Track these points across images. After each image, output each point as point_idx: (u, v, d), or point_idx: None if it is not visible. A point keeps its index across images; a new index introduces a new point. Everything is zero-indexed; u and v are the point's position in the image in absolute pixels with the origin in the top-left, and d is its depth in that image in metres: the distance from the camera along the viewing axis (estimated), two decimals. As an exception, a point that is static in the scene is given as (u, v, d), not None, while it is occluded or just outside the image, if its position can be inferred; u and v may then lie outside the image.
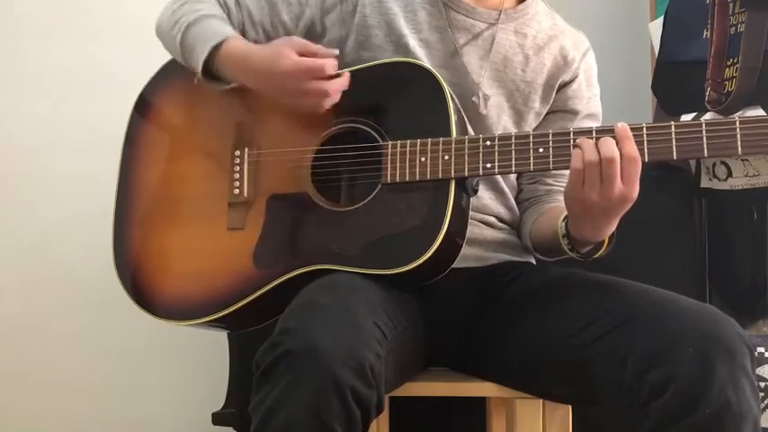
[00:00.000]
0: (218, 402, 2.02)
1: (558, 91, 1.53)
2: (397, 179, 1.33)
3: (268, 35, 1.51)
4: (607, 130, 1.24)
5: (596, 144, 1.22)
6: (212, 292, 1.40)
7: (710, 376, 1.12)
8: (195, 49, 1.43)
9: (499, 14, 1.50)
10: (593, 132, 1.25)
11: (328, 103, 1.36)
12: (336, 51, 1.38)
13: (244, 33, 1.50)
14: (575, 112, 1.55)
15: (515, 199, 1.56)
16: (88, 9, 2.40)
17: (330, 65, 1.35)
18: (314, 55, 1.36)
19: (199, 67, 1.42)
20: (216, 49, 1.41)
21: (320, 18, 1.49)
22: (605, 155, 1.20)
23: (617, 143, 1.21)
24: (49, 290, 2.36)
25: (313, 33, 1.51)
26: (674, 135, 1.22)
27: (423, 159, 1.32)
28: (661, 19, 2.15)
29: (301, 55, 1.36)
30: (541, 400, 1.39)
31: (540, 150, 1.28)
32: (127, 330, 2.26)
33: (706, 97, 1.89)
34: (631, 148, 1.21)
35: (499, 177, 1.52)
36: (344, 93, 1.40)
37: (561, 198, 1.38)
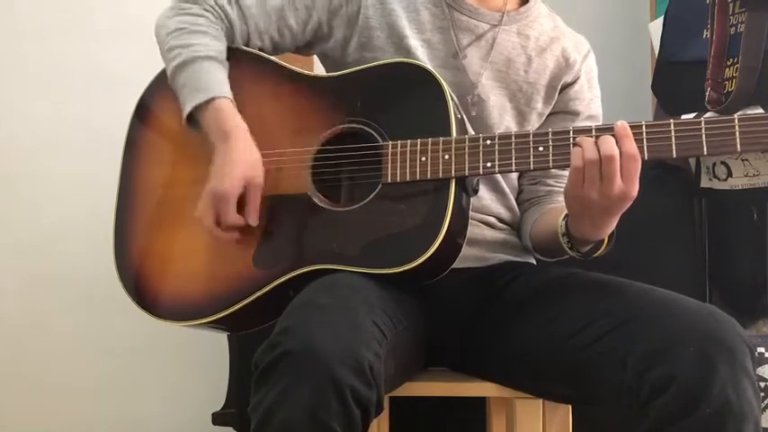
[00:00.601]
0: (218, 402, 2.02)
1: (560, 92, 1.54)
2: (398, 179, 1.33)
3: (274, 42, 1.51)
4: (607, 129, 1.24)
5: (596, 142, 1.22)
6: (213, 292, 1.40)
7: (711, 376, 1.12)
8: (182, 92, 1.44)
9: (502, 16, 1.50)
10: (593, 131, 1.25)
11: (205, 222, 1.38)
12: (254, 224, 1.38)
13: (248, 43, 1.50)
14: (576, 113, 1.55)
15: (516, 200, 1.56)
16: (88, 9, 2.40)
17: (245, 224, 1.37)
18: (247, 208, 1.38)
19: (183, 115, 1.43)
20: (199, 106, 1.41)
21: (327, 20, 1.49)
22: (605, 152, 1.20)
23: (616, 141, 1.21)
24: (49, 290, 2.36)
25: (319, 35, 1.51)
26: (673, 133, 1.22)
27: (423, 159, 1.32)
28: (661, 19, 2.15)
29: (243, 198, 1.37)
30: (541, 400, 1.39)
31: (540, 149, 1.28)
32: (127, 330, 2.26)
33: (706, 97, 1.89)
34: (631, 146, 1.21)
35: (500, 178, 1.52)
36: (345, 93, 1.40)
37: (562, 199, 1.38)
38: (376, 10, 1.48)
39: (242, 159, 1.38)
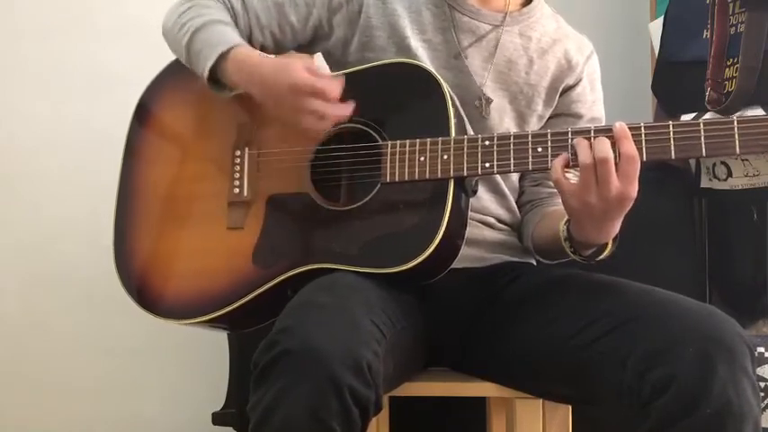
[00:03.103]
0: (218, 402, 2.02)
1: (561, 94, 1.54)
2: (396, 179, 1.33)
3: (275, 38, 1.51)
4: (605, 130, 1.24)
5: (590, 145, 1.22)
6: (212, 291, 1.40)
7: (711, 376, 1.12)
8: (201, 54, 1.42)
9: (504, 17, 1.50)
10: (592, 132, 1.25)
11: (323, 126, 1.33)
12: (343, 79, 1.34)
13: (250, 36, 1.50)
14: (578, 116, 1.55)
15: (517, 201, 1.56)
16: (88, 9, 2.40)
17: (335, 90, 1.32)
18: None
19: (205, 73, 1.41)
20: (223, 55, 1.39)
21: (327, 18, 1.49)
22: (598, 155, 1.20)
23: (615, 142, 1.21)
24: (49, 290, 2.36)
25: (320, 33, 1.51)
26: (672, 135, 1.22)
27: (422, 159, 1.32)
28: (661, 19, 2.15)
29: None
30: (541, 400, 1.39)
31: (539, 150, 1.28)
32: (127, 330, 2.26)
33: (706, 97, 1.89)
34: (630, 147, 1.20)
35: (500, 179, 1.52)
36: (345, 93, 1.40)
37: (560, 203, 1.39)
38: (377, 9, 1.48)
39: (282, 60, 1.38)
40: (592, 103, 1.56)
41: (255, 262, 1.38)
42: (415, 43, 1.47)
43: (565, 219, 1.34)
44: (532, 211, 1.53)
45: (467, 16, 1.49)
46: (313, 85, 1.31)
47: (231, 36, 1.43)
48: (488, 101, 1.48)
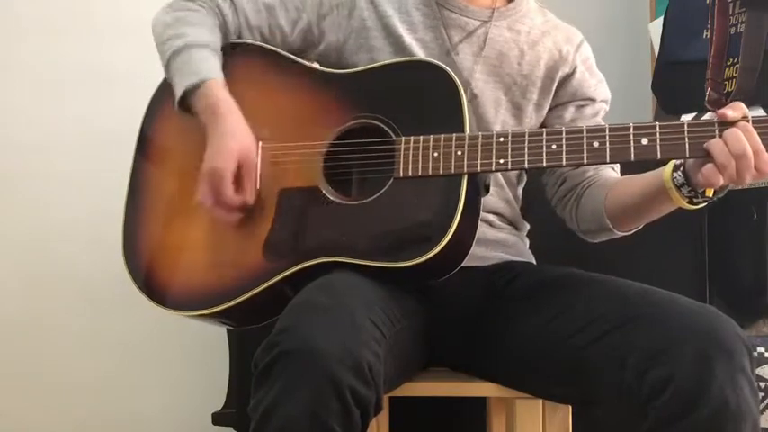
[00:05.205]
0: (218, 402, 2.03)
1: (561, 85, 1.54)
2: (410, 174, 1.33)
3: (264, 38, 1.52)
4: (621, 128, 1.24)
5: (725, 143, 1.19)
6: (221, 283, 1.39)
7: (709, 376, 1.12)
8: (173, 80, 1.45)
9: (492, 12, 1.51)
10: (607, 131, 1.24)
11: (215, 210, 1.37)
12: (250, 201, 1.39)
13: (240, 37, 1.51)
14: (590, 99, 1.55)
15: (558, 190, 1.55)
16: (88, 9, 2.40)
17: (244, 203, 1.37)
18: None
19: (174, 102, 1.44)
20: (190, 89, 1.41)
21: (317, 23, 1.50)
22: (736, 152, 1.18)
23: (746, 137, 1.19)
24: (50, 290, 2.36)
25: (309, 39, 1.51)
26: (686, 134, 1.21)
27: (435, 155, 1.32)
28: (661, 19, 2.15)
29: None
30: (541, 400, 1.39)
31: (554, 147, 1.28)
32: (127, 330, 2.26)
33: (706, 97, 1.89)
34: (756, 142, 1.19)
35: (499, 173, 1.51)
36: (359, 89, 1.40)
37: (612, 173, 1.46)
38: (370, 12, 1.49)
39: (231, 133, 1.38)
40: (596, 86, 1.56)
41: (266, 255, 1.38)
42: (410, 41, 1.48)
43: (671, 166, 1.30)
44: (590, 188, 1.50)
45: (455, 13, 1.50)
46: (245, 172, 1.36)
47: (203, 67, 1.43)
48: (473, 96, 1.48)
